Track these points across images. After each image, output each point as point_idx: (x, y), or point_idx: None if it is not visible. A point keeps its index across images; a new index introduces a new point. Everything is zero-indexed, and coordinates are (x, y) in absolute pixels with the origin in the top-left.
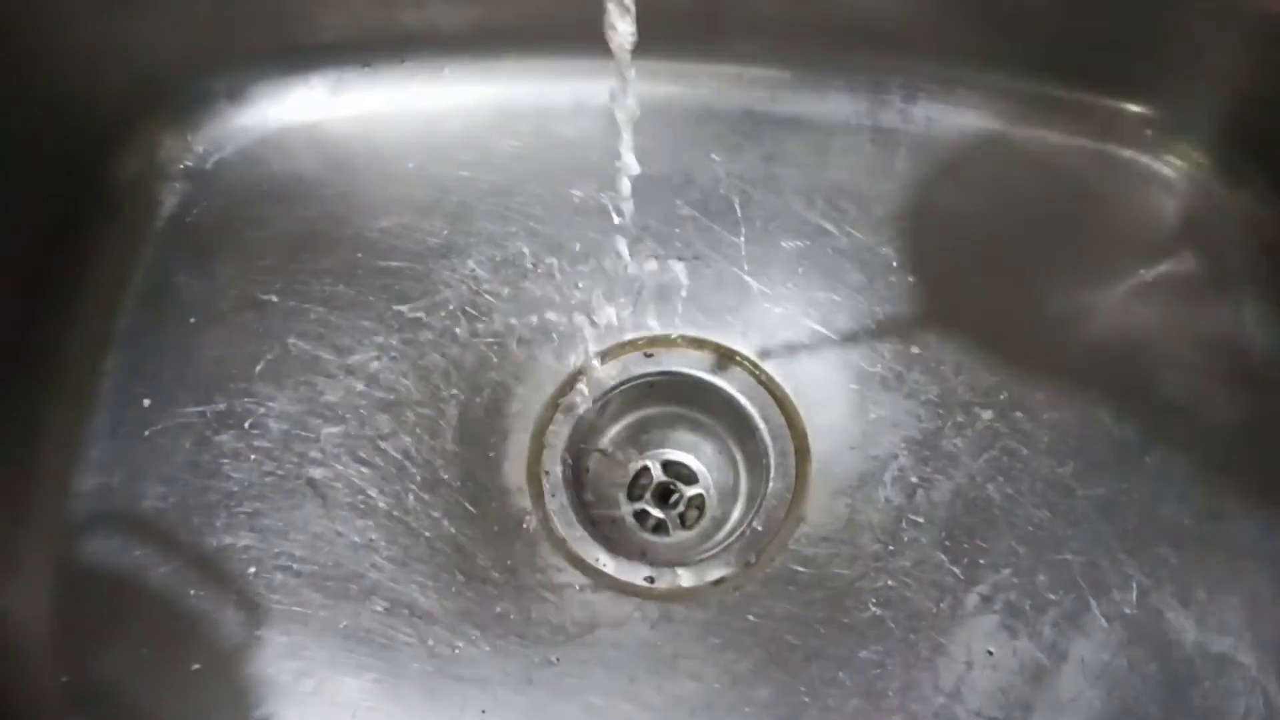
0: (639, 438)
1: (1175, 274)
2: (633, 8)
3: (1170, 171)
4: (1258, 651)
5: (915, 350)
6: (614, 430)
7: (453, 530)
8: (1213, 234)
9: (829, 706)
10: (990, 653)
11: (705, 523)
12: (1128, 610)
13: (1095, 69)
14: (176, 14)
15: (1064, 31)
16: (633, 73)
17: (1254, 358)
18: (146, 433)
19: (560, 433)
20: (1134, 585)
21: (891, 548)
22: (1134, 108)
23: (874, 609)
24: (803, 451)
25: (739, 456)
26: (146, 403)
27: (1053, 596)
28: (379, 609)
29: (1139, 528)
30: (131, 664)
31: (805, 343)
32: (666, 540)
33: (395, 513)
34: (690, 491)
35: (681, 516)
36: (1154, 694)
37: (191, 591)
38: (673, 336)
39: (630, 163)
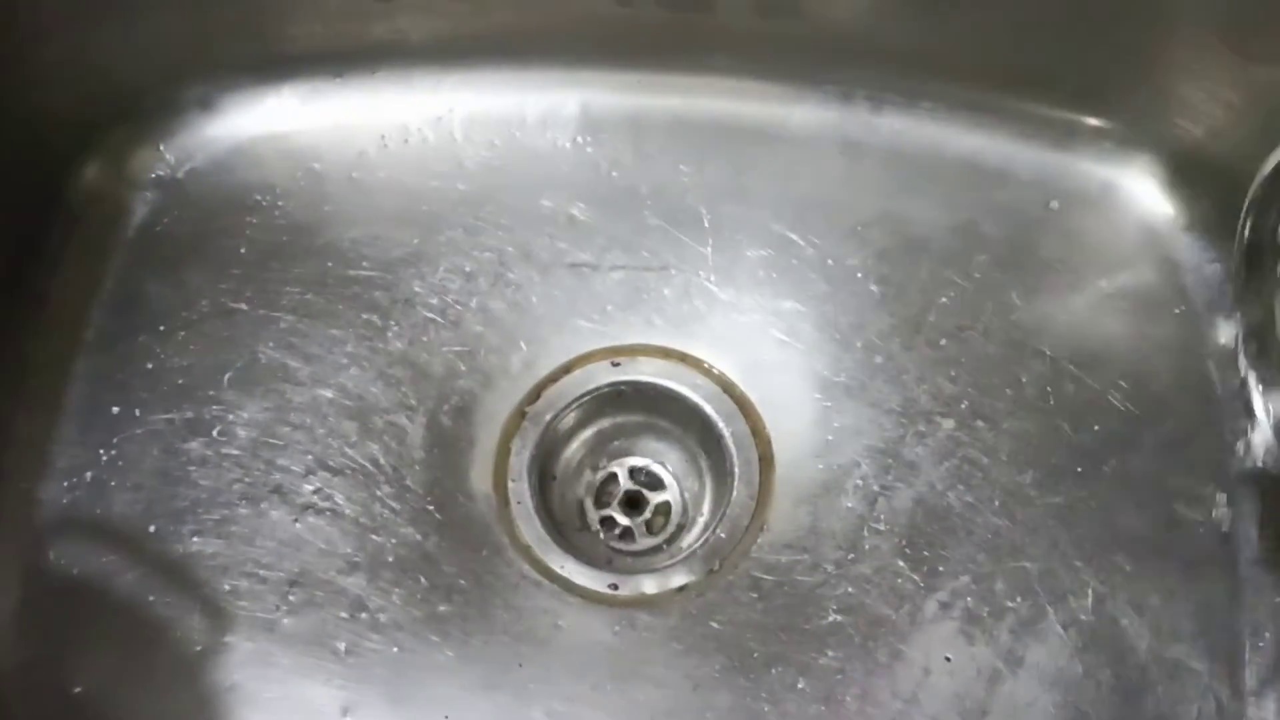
0: (607, 445)
1: (1134, 285)
2: None
3: (1129, 184)
4: (1210, 658)
5: (879, 360)
6: (581, 438)
7: (419, 537)
8: (1170, 246)
9: (789, 712)
10: (948, 659)
11: (671, 530)
12: (1084, 617)
13: (1054, 82)
14: (147, 24)
15: (1024, 46)
16: None
17: (1209, 369)
18: (115, 440)
19: (527, 440)
20: (1090, 592)
21: (852, 555)
22: (1092, 120)
23: (834, 616)
24: (767, 459)
25: (705, 464)
26: (115, 410)
27: (1010, 604)
28: (344, 615)
29: (1096, 536)
30: (98, 670)
31: (770, 352)
32: (632, 547)
33: (362, 520)
34: (657, 499)
35: (648, 523)
36: (1108, 700)
37: (158, 598)
38: (639, 345)
39: None
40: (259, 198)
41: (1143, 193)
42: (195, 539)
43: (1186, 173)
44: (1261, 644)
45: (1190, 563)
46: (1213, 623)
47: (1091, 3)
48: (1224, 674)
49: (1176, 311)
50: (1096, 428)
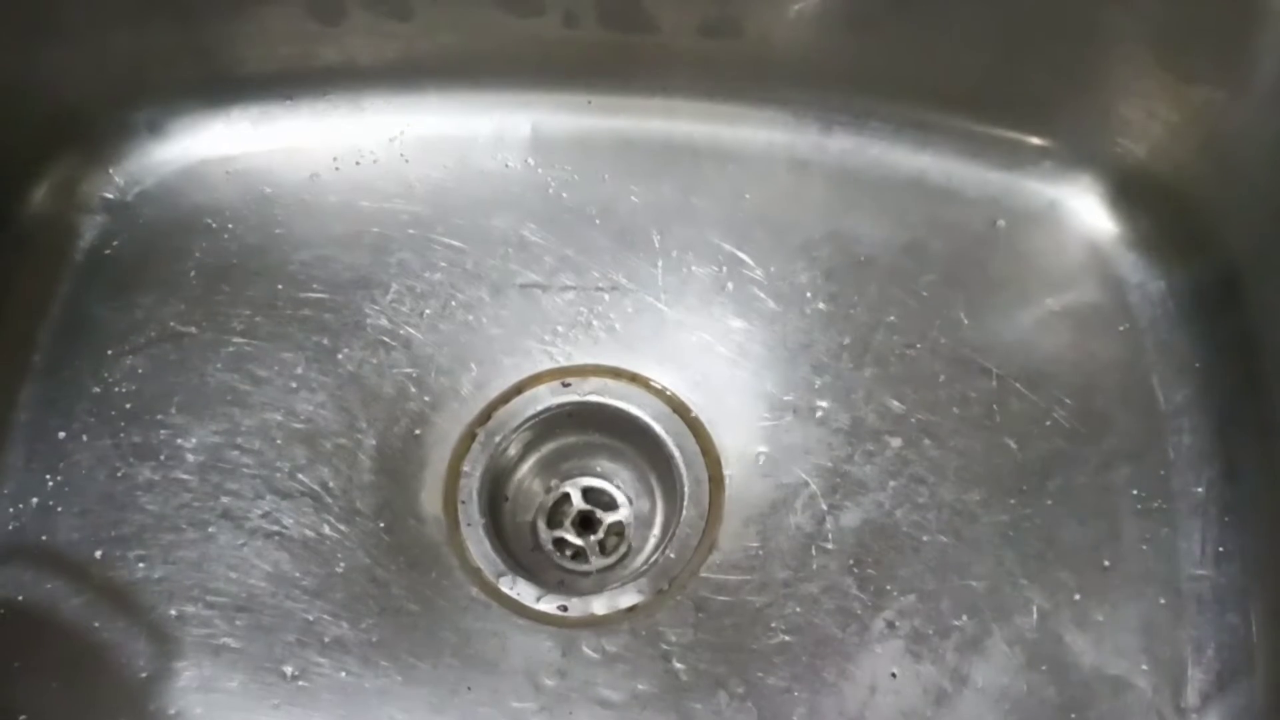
0: (558, 466)
1: (1079, 302)
2: None
3: (1073, 202)
4: (1153, 674)
5: (827, 378)
6: (532, 459)
7: (368, 560)
8: (1115, 263)
9: None
10: (894, 676)
11: (624, 550)
12: (1028, 634)
13: (998, 102)
14: (96, 47)
15: (967, 67)
16: None
17: (1153, 386)
18: (61, 465)
19: (478, 462)
20: (1034, 610)
21: (800, 574)
22: (1036, 140)
23: (782, 635)
24: (716, 479)
25: (655, 484)
26: (61, 435)
27: (956, 621)
28: (292, 640)
29: (1040, 553)
30: (43, 697)
31: (720, 371)
32: (585, 568)
33: (311, 543)
34: (610, 519)
35: (600, 544)
36: (1052, 716)
37: (104, 624)
38: (590, 365)
39: None
40: (209, 221)
41: (1087, 211)
42: (141, 564)
43: (1130, 191)
44: (1204, 660)
45: (1133, 579)
46: (1155, 639)
47: (1031, 23)
48: (1167, 690)
49: (1121, 328)
50: (1042, 445)
